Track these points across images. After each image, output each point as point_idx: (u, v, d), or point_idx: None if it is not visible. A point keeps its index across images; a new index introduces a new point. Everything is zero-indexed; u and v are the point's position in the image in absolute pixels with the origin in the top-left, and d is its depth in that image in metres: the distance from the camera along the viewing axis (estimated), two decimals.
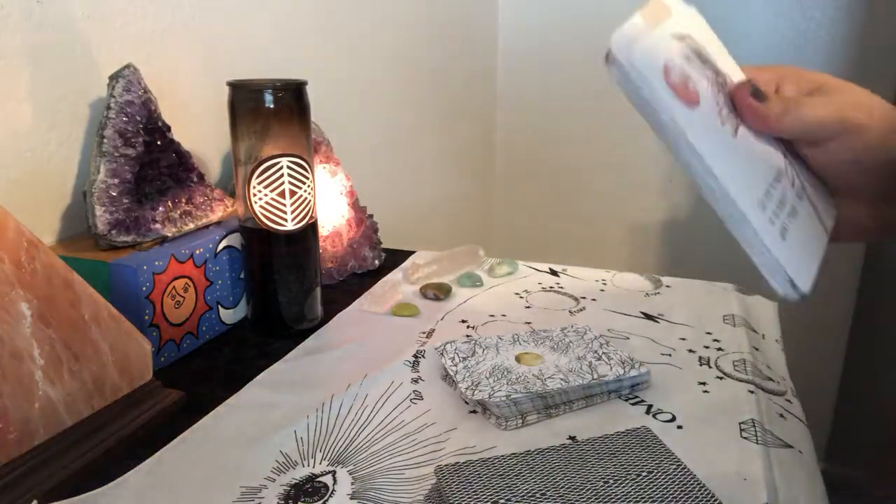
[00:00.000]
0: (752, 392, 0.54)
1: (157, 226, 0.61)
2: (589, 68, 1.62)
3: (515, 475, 0.40)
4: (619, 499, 0.38)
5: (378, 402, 0.53)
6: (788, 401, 0.56)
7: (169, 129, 0.64)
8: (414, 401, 0.53)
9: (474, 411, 0.51)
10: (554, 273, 0.82)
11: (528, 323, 0.67)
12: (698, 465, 0.41)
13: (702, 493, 0.38)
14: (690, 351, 0.62)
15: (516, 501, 0.37)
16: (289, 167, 0.61)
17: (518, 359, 0.56)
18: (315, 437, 0.49)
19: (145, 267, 0.56)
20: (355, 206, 0.82)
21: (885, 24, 1.43)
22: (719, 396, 0.54)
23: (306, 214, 0.63)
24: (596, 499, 0.38)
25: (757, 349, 0.63)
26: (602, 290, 0.76)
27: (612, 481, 0.39)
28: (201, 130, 0.75)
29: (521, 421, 0.49)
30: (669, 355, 0.61)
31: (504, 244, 1.79)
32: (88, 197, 0.59)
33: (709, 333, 0.65)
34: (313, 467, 0.45)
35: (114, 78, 0.60)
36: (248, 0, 0.82)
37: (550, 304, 0.72)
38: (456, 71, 1.49)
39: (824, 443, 1.66)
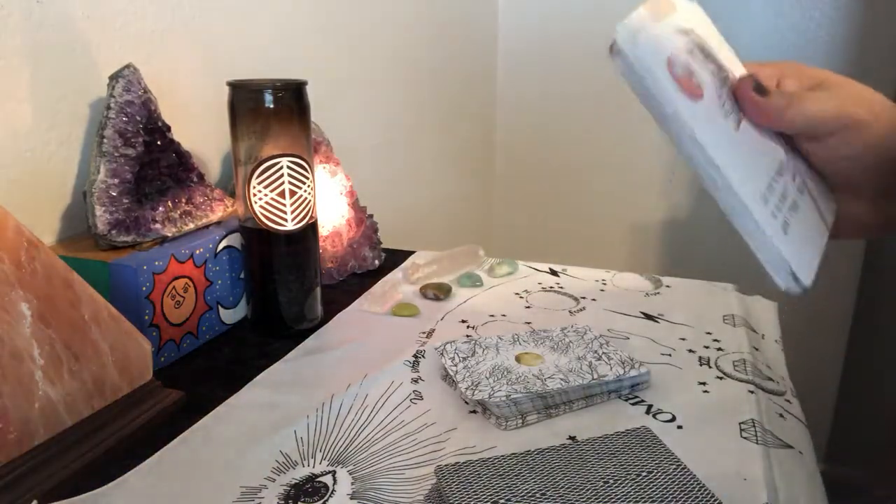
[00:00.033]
0: (752, 392, 0.54)
1: (157, 226, 0.61)
2: (589, 68, 1.62)
3: (515, 475, 0.40)
4: (619, 499, 0.38)
5: (378, 402, 0.53)
6: (788, 401, 0.56)
7: (169, 129, 0.64)
8: (414, 401, 0.53)
9: (474, 411, 0.51)
10: (554, 273, 0.82)
11: (528, 323, 0.67)
12: (698, 465, 0.41)
13: (702, 493, 0.38)
14: (690, 351, 0.62)
15: (516, 501, 0.37)
16: (289, 167, 0.61)
17: (518, 359, 0.56)
18: (315, 437, 0.49)
19: (145, 267, 0.56)
20: (355, 206, 0.82)
21: (885, 24, 1.43)
22: (719, 396, 0.54)
23: (306, 214, 0.63)
24: (596, 499, 0.38)
25: (757, 349, 0.63)
26: (602, 290, 0.76)
27: (612, 481, 0.39)
28: (201, 130, 0.75)
29: (521, 421, 0.49)
30: (669, 355, 0.61)
31: (504, 244, 1.79)
32: (88, 197, 0.59)
33: (709, 333, 0.65)
34: (313, 467, 0.45)
35: (114, 78, 0.60)
36: (248, 0, 0.82)
37: (550, 304, 0.72)
38: (456, 71, 1.49)
39: (824, 443, 1.66)
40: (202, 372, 0.59)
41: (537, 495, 0.38)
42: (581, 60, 1.63)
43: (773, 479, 0.44)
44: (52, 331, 0.43)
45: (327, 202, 0.78)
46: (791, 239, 0.37)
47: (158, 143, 0.63)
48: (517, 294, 0.75)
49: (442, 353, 0.57)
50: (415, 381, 0.56)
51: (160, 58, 0.70)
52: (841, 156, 0.40)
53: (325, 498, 0.42)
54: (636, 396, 0.53)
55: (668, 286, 0.77)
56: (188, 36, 0.73)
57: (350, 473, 0.45)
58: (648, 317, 0.69)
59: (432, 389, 0.55)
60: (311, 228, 0.65)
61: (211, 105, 0.74)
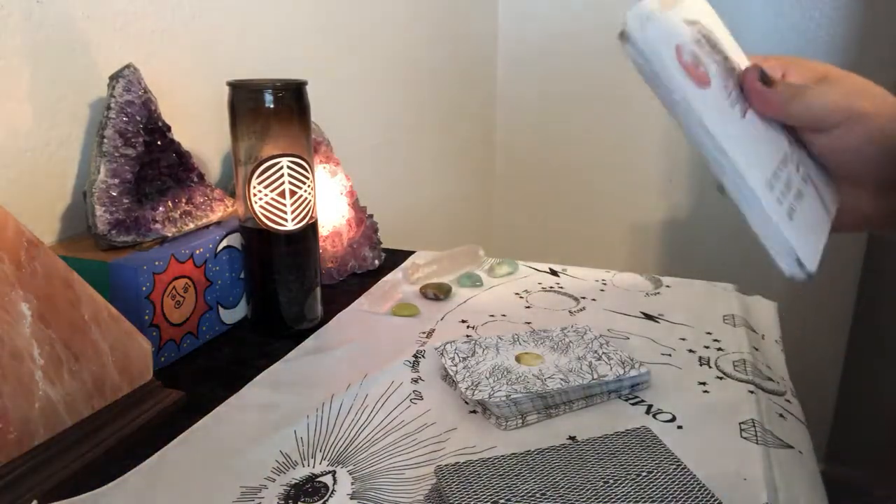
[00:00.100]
0: (752, 392, 0.54)
1: (157, 226, 0.61)
2: (589, 68, 1.62)
3: (515, 475, 0.40)
4: (619, 499, 0.38)
5: (378, 402, 0.53)
6: (788, 401, 0.56)
7: (169, 129, 0.64)
8: (414, 401, 0.53)
9: (474, 411, 0.51)
10: (554, 273, 0.82)
11: (528, 323, 0.67)
12: (698, 465, 0.41)
13: (702, 493, 0.38)
14: (690, 351, 0.62)
15: (516, 501, 0.37)
16: (289, 167, 0.61)
17: (518, 359, 0.56)
18: (315, 437, 0.49)
19: (145, 267, 0.56)
20: (355, 206, 0.82)
21: (885, 24, 1.43)
22: (719, 396, 0.54)
23: (306, 214, 0.63)
24: (596, 499, 0.38)
25: (757, 349, 0.63)
26: (602, 290, 0.76)
27: (612, 481, 0.39)
28: (201, 130, 0.75)
29: (521, 421, 0.49)
30: (669, 355, 0.61)
31: (504, 244, 1.79)
32: (88, 197, 0.59)
33: (709, 333, 0.65)
34: (313, 467, 0.45)
35: (114, 78, 0.60)
36: (247, 0, 0.82)
37: (550, 304, 0.72)
38: (456, 71, 1.49)
39: (824, 443, 1.66)
40: (202, 372, 0.59)
41: (537, 495, 0.38)
42: (581, 60, 1.63)
43: (773, 479, 0.44)
44: (52, 331, 0.43)
45: (327, 202, 0.78)
46: (796, 225, 0.37)
47: (158, 143, 0.63)
48: (517, 294, 0.75)
49: (442, 353, 0.57)
50: (415, 381, 0.56)
51: (160, 58, 0.70)
52: (843, 147, 0.41)
53: (325, 498, 0.42)
54: (636, 396, 0.53)
55: (668, 286, 0.77)
56: (188, 36, 0.73)
57: (350, 473, 0.45)
58: (648, 317, 0.69)
59: (432, 389, 0.55)
60: (311, 228, 0.65)
61: (211, 105, 0.74)
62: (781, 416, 0.53)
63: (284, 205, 0.61)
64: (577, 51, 1.62)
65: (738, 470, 0.44)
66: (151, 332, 0.57)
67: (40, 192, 0.60)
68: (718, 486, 0.39)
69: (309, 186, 0.63)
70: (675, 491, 0.39)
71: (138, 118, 0.60)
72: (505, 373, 0.53)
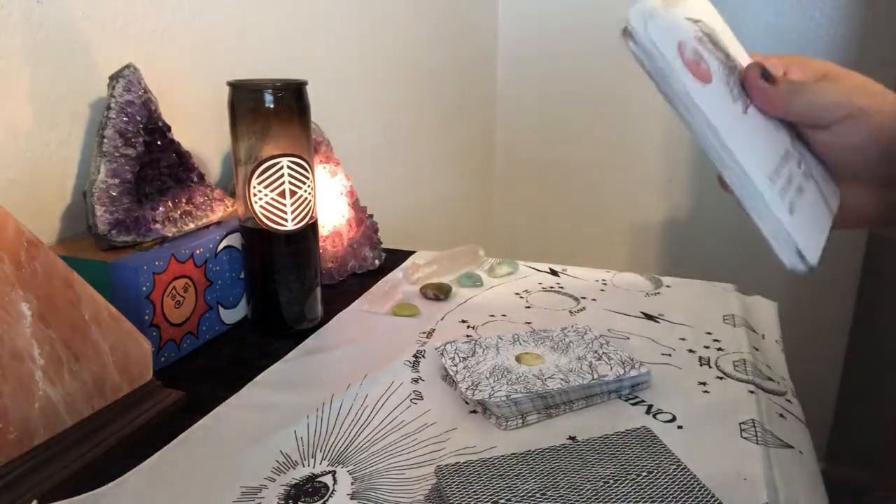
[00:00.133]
0: (752, 392, 0.54)
1: (158, 226, 0.61)
2: (589, 68, 1.62)
3: (515, 475, 0.40)
4: (619, 499, 0.38)
5: (378, 402, 0.53)
6: (789, 401, 0.56)
7: (169, 129, 0.64)
8: (414, 401, 0.53)
9: (474, 411, 0.51)
10: (554, 273, 0.82)
11: (529, 323, 0.67)
12: (698, 465, 0.41)
13: (702, 493, 0.38)
14: (690, 351, 0.62)
15: (516, 501, 0.37)
16: (289, 167, 0.61)
17: (518, 359, 0.56)
18: (315, 437, 0.49)
19: (145, 267, 0.56)
20: (355, 206, 0.82)
21: (885, 24, 1.43)
22: (719, 396, 0.54)
23: (306, 214, 0.63)
24: (596, 499, 0.38)
25: (757, 349, 0.63)
26: (602, 290, 0.76)
27: (612, 481, 0.39)
28: (201, 130, 0.75)
29: (521, 421, 0.49)
30: (669, 355, 0.61)
31: (504, 244, 1.79)
32: (88, 197, 0.59)
33: (709, 333, 0.65)
34: (313, 467, 0.45)
35: (114, 78, 0.60)
36: (247, 0, 0.82)
37: (550, 304, 0.72)
38: (456, 71, 1.49)
39: (824, 443, 1.66)
40: (202, 372, 0.59)
41: (537, 495, 0.38)
42: (581, 60, 1.63)
43: (773, 479, 0.44)
44: (52, 331, 0.43)
45: (327, 202, 0.78)
46: (797, 219, 0.37)
47: (158, 143, 0.63)
48: (517, 294, 0.75)
49: (442, 353, 0.57)
50: (415, 381, 0.56)
51: (160, 58, 0.70)
52: (844, 144, 0.41)
53: (325, 498, 0.42)
54: (636, 396, 0.53)
55: (668, 286, 0.77)
56: (188, 36, 0.73)
57: (350, 473, 0.45)
58: (648, 317, 0.69)
59: (432, 389, 0.55)
60: (311, 228, 0.65)
61: (211, 105, 0.74)
62: (781, 415, 0.53)
63: (284, 205, 0.61)
64: (577, 50, 1.62)
65: (738, 470, 0.44)
66: (151, 332, 0.57)
67: (40, 192, 0.60)
68: (718, 486, 0.39)
69: (309, 186, 0.63)
70: (675, 491, 0.39)
71: (138, 118, 0.60)
72: (505, 373, 0.53)
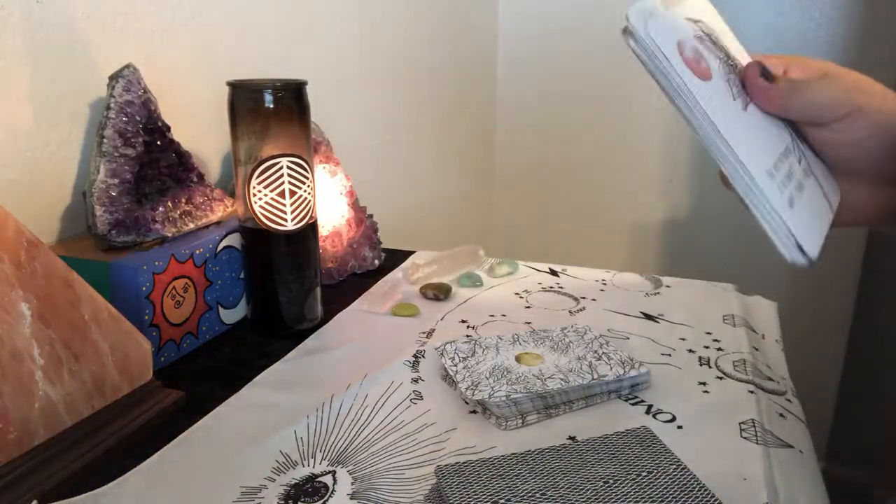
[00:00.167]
0: (752, 392, 0.54)
1: (157, 226, 0.61)
2: (589, 68, 1.62)
3: (515, 475, 0.40)
4: (619, 499, 0.38)
5: (378, 402, 0.53)
6: (789, 400, 0.56)
7: (169, 129, 0.64)
8: (414, 401, 0.53)
9: (474, 411, 0.51)
10: (554, 273, 0.82)
11: (528, 323, 0.67)
12: (698, 465, 0.41)
13: (702, 493, 0.38)
14: (690, 351, 0.62)
15: (516, 501, 0.37)
16: (289, 167, 0.61)
17: (518, 359, 0.56)
18: (315, 437, 0.49)
19: (145, 267, 0.56)
20: (355, 206, 0.82)
21: (885, 24, 1.43)
22: (719, 396, 0.54)
23: (306, 214, 0.63)
24: (596, 499, 0.38)
25: (757, 349, 0.63)
26: (602, 290, 0.76)
27: (612, 481, 0.39)
28: (201, 130, 0.75)
29: (521, 421, 0.49)
30: (669, 355, 0.61)
31: (504, 244, 1.79)
32: (88, 197, 0.59)
33: (709, 333, 0.65)
34: (313, 467, 0.45)
35: (114, 78, 0.60)
36: (247, 0, 0.82)
37: (550, 304, 0.72)
38: (456, 71, 1.49)
39: (824, 443, 1.66)
40: (202, 372, 0.59)
41: (537, 495, 0.38)
42: (581, 60, 1.63)
43: (773, 479, 0.44)
44: (52, 331, 0.43)
45: (327, 202, 0.78)
46: (796, 213, 0.38)
47: (158, 143, 0.63)
48: (517, 294, 0.75)
49: (442, 353, 0.57)
50: (415, 381, 0.56)
51: (160, 58, 0.70)
52: (844, 142, 0.41)
53: (325, 498, 0.42)
54: (636, 396, 0.53)
55: (668, 286, 0.77)
56: (188, 36, 0.73)
57: (350, 473, 0.45)
58: (648, 317, 0.69)
59: (432, 389, 0.55)
60: (311, 228, 0.65)
61: (211, 105, 0.74)
62: (782, 415, 0.53)
63: (284, 205, 0.61)
64: (577, 51, 1.62)
65: (738, 470, 0.44)
66: (151, 332, 0.57)
67: (40, 192, 0.60)
68: (718, 486, 0.39)
69: (309, 186, 0.63)
70: (675, 491, 0.39)
71: (138, 118, 0.60)
72: (505, 373, 0.53)
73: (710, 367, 0.59)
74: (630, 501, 0.38)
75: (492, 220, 1.83)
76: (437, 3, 1.36)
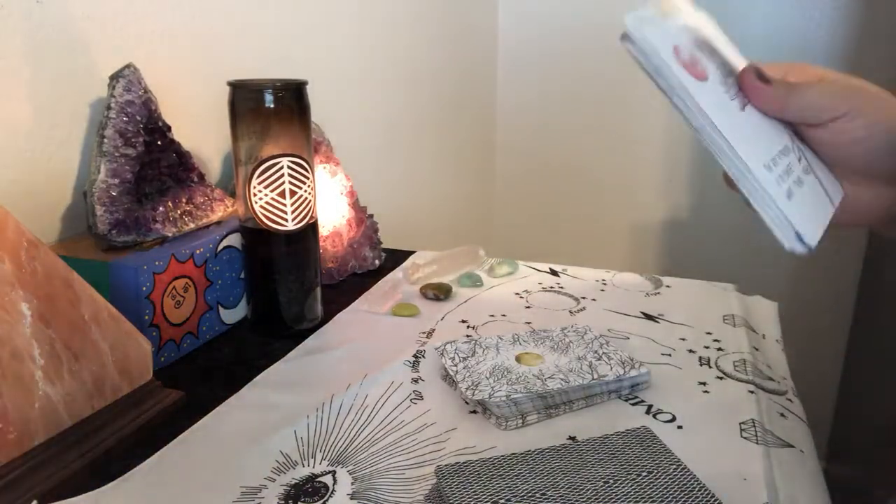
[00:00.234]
0: (752, 392, 0.54)
1: (158, 226, 0.61)
2: (589, 68, 1.62)
3: (515, 475, 0.40)
4: (619, 499, 0.38)
5: (378, 402, 0.53)
6: (790, 400, 0.56)
7: (169, 129, 0.64)
8: (414, 401, 0.53)
9: (474, 411, 0.51)
10: (554, 273, 0.82)
11: (528, 323, 0.67)
12: (698, 465, 0.41)
13: (702, 493, 0.38)
14: (690, 351, 0.62)
15: (516, 501, 0.37)
16: (289, 167, 0.61)
17: (518, 359, 0.56)
18: (315, 437, 0.49)
19: (145, 267, 0.56)
20: (355, 206, 0.82)
21: (885, 24, 1.43)
22: (719, 396, 0.54)
23: (306, 214, 0.63)
24: (596, 499, 0.38)
25: (757, 349, 0.63)
26: (602, 290, 0.76)
27: (612, 481, 0.39)
28: (201, 130, 0.75)
29: (521, 421, 0.49)
30: (669, 355, 0.61)
31: (504, 244, 1.79)
32: (88, 197, 0.59)
33: (709, 333, 0.65)
34: (313, 467, 0.45)
35: (114, 78, 0.60)
36: (247, 0, 0.82)
37: (550, 304, 0.72)
38: (456, 71, 1.49)
39: (824, 442, 1.66)
40: (202, 372, 0.59)
41: (537, 495, 0.38)
42: (581, 60, 1.63)
43: (774, 478, 0.44)
44: (52, 331, 0.43)
45: (327, 202, 0.78)
46: (795, 203, 0.38)
47: (159, 143, 0.63)
48: (517, 294, 0.75)
49: (442, 353, 0.57)
50: (415, 381, 0.56)
51: (160, 58, 0.70)
52: (843, 141, 0.42)
53: (325, 498, 0.42)
54: (636, 396, 0.53)
55: (668, 286, 0.77)
56: (188, 36, 0.73)
57: (350, 473, 0.45)
58: (648, 317, 0.69)
59: (432, 389, 0.55)
60: (312, 228, 0.65)
61: (211, 105, 0.74)
62: (782, 415, 0.53)
63: (284, 205, 0.61)
64: (577, 51, 1.62)
65: (738, 470, 0.44)
66: (151, 332, 0.57)
67: (40, 192, 0.60)
68: (718, 486, 0.39)
69: (309, 186, 0.63)
70: (675, 491, 0.39)
71: (138, 118, 0.60)
72: (505, 373, 0.53)
73: (710, 367, 0.59)
74: (630, 501, 0.38)
75: (492, 220, 1.83)
76: (437, 3, 1.36)
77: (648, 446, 0.43)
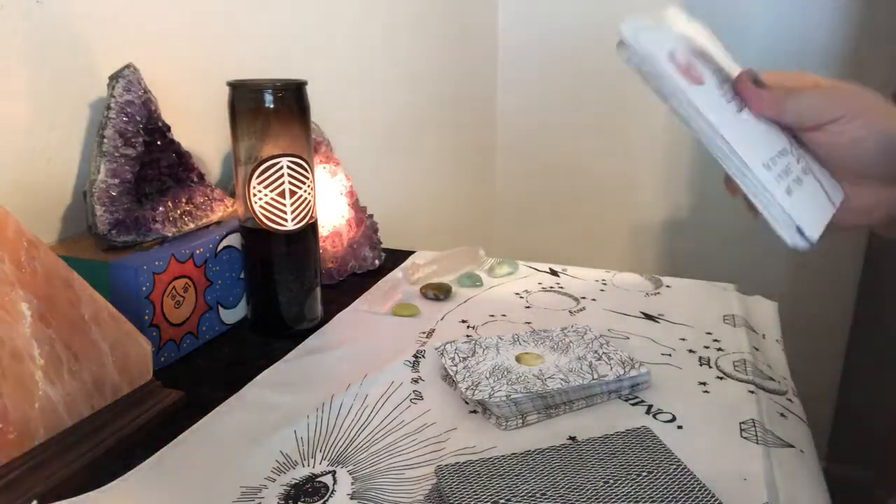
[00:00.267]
0: (752, 392, 0.54)
1: (158, 226, 0.61)
2: (589, 69, 1.62)
3: (515, 475, 0.40)
4: (619, 499, 0.38)
5: (378, 402, 0.53)
6: (790, 400, 0.56)
7: (169, 129, 0.64)
8: (414, 401, 0.53)
9: (474, 411, 0.51)
10: (554, 273, 0.82)
11: (528, 323, 0.67)
12: (698, 465, 0.41)
13: (702, 493, 0.38)
14: (690, 351, 0.62)
15: (516, 501, 0.37)
16: (289, 167, 0.61)
17: (518, 359, 0.56)
18: (315, 437, 0.49)
19: (145, 267, 0.56)
20: (355, 206, 0.82)
21: (885, 25, 1.43)
22: (719, 396, 0.54)
23: (306, 214, 0.63)
24: (596, 499, 0.38)
25: (757, 349, 0.63)
26: (602, 290, 0.76)
27: (612, 481, 0.39)
28: (201, 130, 0.75)
29: (521, 421, 0.49)
30: (669, 355, 0.61)
31: (504, 244, 1.79)
32: (88, 197, 0.59)
33: (709, 333, 0.65)
34: (313, 467, 0.45)
35: (114, 78, 0.60)
36: (248, 0, 0.82)
37: (550, 304, 0.72)
38: (456, 71, 1.49)
39: (824, 442, 1.66)
40: (202, 372, 0.59)
41: (537, 495, 0.38)
42: (581, 61, 1.63)
43: (774, 478, 0.44)
44: (52, 331, 0.43)
45: (327, 202, 0.78)
46: (795, 200, 0.39)
47: (158, 143, 0.63)
48: (517, 294, 0.75)
49: (442, 353, 0.57)
50: (415, 381, 0.56)
51: (160, 58, 0.70)
52: (842, 143, 0.42)
53: (326, 498, 0.42)
54: (636, 396, 0.53)
55: (668, 286, 0.77)
56: (188, 36, 0.73)
57: (350, 473, 0.45)
58: (648, 317, 0.69)
59: (432, 389, 0.55)
60: (311, 228, 0.65)
61: (211, 105, 0.74)
62: (783, 415, 0.53)
63: (284, 205, 0.61)
64: (577, 51, 1.62)
65: (738, 470, 0.44)
66: (151, 332, 0.57)
67: (40, 192, 0.60)
68: (718, 486, 0.39)
69: (309, 186, 0.63)
70: (675, 491, 0.39)
71: (138, 118, 0.60)
72: (505, 373, 0.53)
73: (710, 367, 0.59)
74: (630, 501, 0.38)
75: (492, 220, 1.83)
76: (437, 3, 1.36)
77: (648, 446, 0.43)
